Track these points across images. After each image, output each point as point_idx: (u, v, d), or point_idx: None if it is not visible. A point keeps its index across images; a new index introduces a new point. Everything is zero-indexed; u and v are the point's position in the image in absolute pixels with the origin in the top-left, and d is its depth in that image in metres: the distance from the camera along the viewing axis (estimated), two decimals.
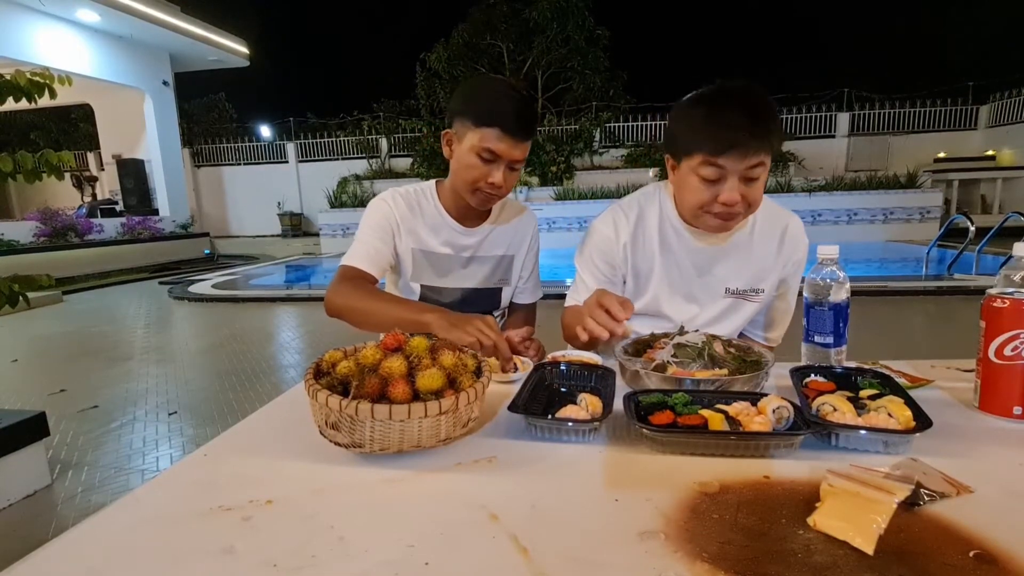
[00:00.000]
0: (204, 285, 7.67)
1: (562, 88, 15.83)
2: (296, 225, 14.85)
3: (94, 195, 14.20)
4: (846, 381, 0.89)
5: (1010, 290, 0.80)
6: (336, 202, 12.74)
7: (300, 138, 15.90)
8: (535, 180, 12.78)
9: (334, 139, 15.78)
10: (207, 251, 12.23)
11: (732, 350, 1.03)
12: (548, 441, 0.78)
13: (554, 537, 0.56)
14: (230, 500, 0.65)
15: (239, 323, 5.45)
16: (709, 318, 1.24)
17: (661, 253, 1.23)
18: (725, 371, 0.94)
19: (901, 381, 0.88)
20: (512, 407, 0.80)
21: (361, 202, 12.35)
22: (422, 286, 1.35)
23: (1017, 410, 0.79)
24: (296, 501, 0.65)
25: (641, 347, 1.07)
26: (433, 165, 13.57)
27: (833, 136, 13.79)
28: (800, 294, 1.08)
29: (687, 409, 0.79)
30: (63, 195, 14.29)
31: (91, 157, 16.01)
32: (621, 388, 0.91)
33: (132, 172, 12.11)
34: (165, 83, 12.25)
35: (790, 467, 0.68)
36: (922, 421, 0.71)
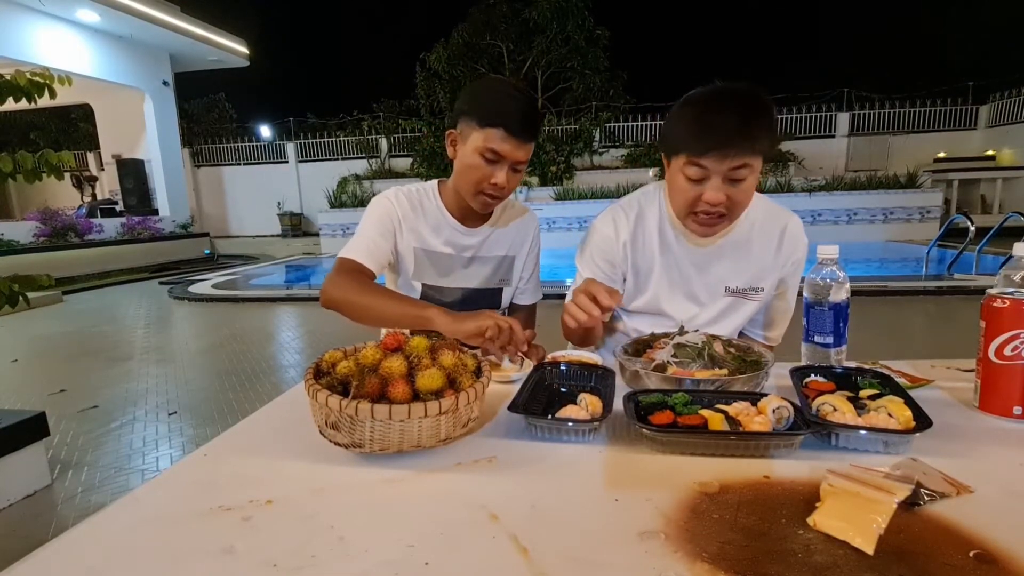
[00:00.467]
0: (204, 285, 7.67)
1: (562, 88, 15.82)
2: (296, 225, 14.84)
3: (94, 195, 14.19)
4: (846, 381, 0.89)
5: (1010, 290, 0.80)
6: (336, 202, 12.74)
7: (300, 138, 15.90)
8: (535, 180, 12.78)
9: (334, 139, 15.77)
10: (207, 251, 12.23)
11: (732, 350, 1.03)
12: (548, 441, 0.78)
13: (554, 537, 0.56)
14: (230, 500, 0.65)
15: (239, 323, 5.45)
16: (709, 317, 1.25)
17: (661, 252, 1.23)
18: (725, 371, 0.94)
19: (901, 381, 0.88)
20: (512, 407, 0.80)
21: (361, 202, 12.35)
22: (424, 285, 1.35)
23: (1017, 410, 0.79)
24: (296, 501, 0.65)
25: (641, 347, 1.07)
26: (433, 165, 13.57)
27: (833, 136, 13.79)
28: (800, 294, 1.08)
29: (687, 409, 0.79)
30: (63, 195, 14.29)
31: (91, 157, 16.01)
32: (621, 388, 0.91)
33: (132, 172, 12.10)
34: (165, 83, 12.25)
35: (790, 467, 0.68)
36: (922, 421, 0.71)
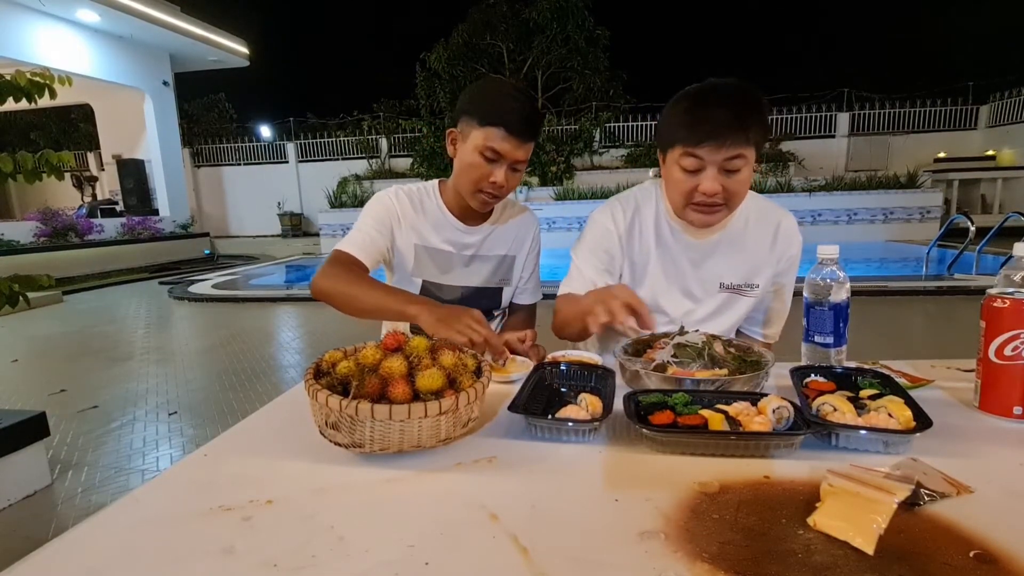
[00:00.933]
0: (204, 285, 7.67)
1: (562, 88, 15.83)
2: (296, 225, 14.85)
3: (94, 195, 14.20)
4: (846, 381, 0.89)
5: (1010, 290, 0.80)
6: (336, 202, 12.74)
7: (300, 138, 15.90)
8: (535, 180, 12.78)
9: (334, 139, 15.78)
10: (207, 251, 12.23)
11: (732, 350, 1.03)
12: (548, 441, 0.78)
13: (554, 537, 0.56)
14: (230, 500, 0.65)
15: (239, 323, 5.45)
16: (705, 313, 1.25)
17: (657, 247, 1.24)
18: (725, 371, 0.94)
19: (901, 381, 0.88)
20: (512, 407, 0.80)
21: (361, 202, 12.34)
22: (424, 282, 1.36)
23: (1017, 410, 0.79)
24: (296, 501, 0.64)
25: (641, 347, 1.07)
26: (433, 165, 13.57)
27: (833, 136, 13.79)
28: (800, 294, 1.08)
29: (687, 409, 0.79)
30: (63, 195, 14.30)
31: (91, 157, 16.02)
32: (621, 388, 0.91)
33: (132, 172, 12.10)
34: (165, 83, 12.25)
35: (790, 467, 0.68)
36: (922, 421, 0.71)
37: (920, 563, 0.50)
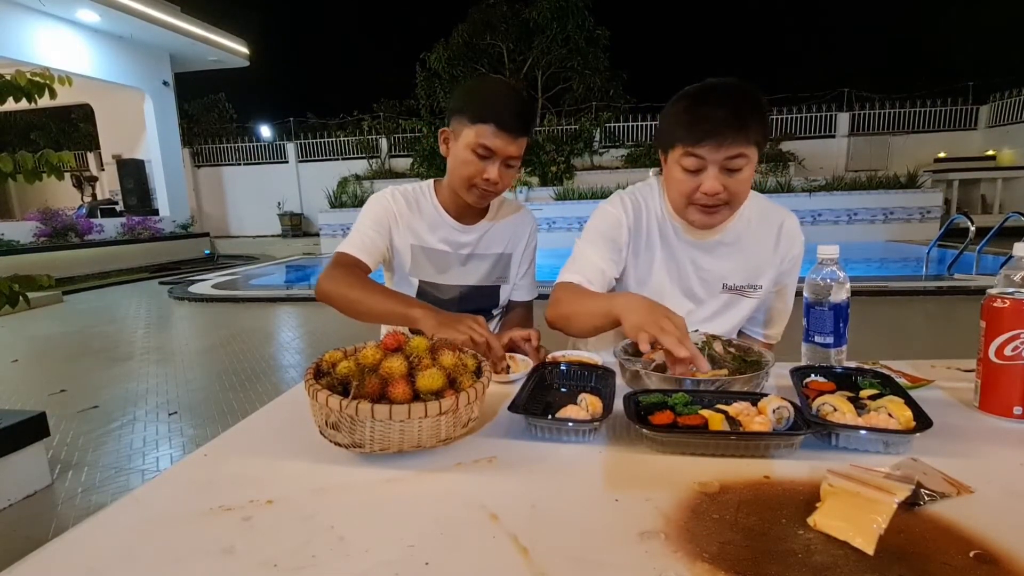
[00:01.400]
0: (204, 285, 7.67)
1: (562, 88, 15.82)
2: (296, 225, 14.84)
3: (94, 195, 14.19)
4: (846, 381, 0.89)
5: (1010, 290, 0.80)
6: (336, 202, 12.74)
7: (300, 138, 15.90)
8: (535, 180, 12.78)
9: (334, 139, 15.77)
10: (207, 251, 12.23)
11: (732, 350, 1.03)
12: (548, 441, 0.78)
13: (554, 537, 0.56)
14: (230, 500, 0.65)
15: (239, 323, 5.45)
16: (707, 314, 1.25)
17: (661, 246, 1.23)
18: (725, 371, 0.94)
19: (901, 381, 0.88)
20: (512, 407, 0.80)
21: (361, 202, 12.30)
22: (421, 282, 1.36)
23: (1017, 410, 0.79)
24: (296, 501, 0.64)
25: None
26: (433, 165, 13.57)
27: (833, 136, 13.79)
28: (800, 294, 1.08)
29: (687, 409, 0.79)
30: (63, 195, 14.29)
31: (91, 157, 16.01)
32: (621, 388, 0.91)
33: (132, 172, 12.10)
34: (165, 83, 12.25)
35: (790, 467, 0.68)
36: (922, 421, 0.71)
37: (920, 563, 0.50)
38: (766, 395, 0.79)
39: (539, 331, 1.20)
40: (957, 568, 0.49)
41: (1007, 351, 0.79)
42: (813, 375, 0.91)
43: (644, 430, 0.73)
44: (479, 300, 1.40)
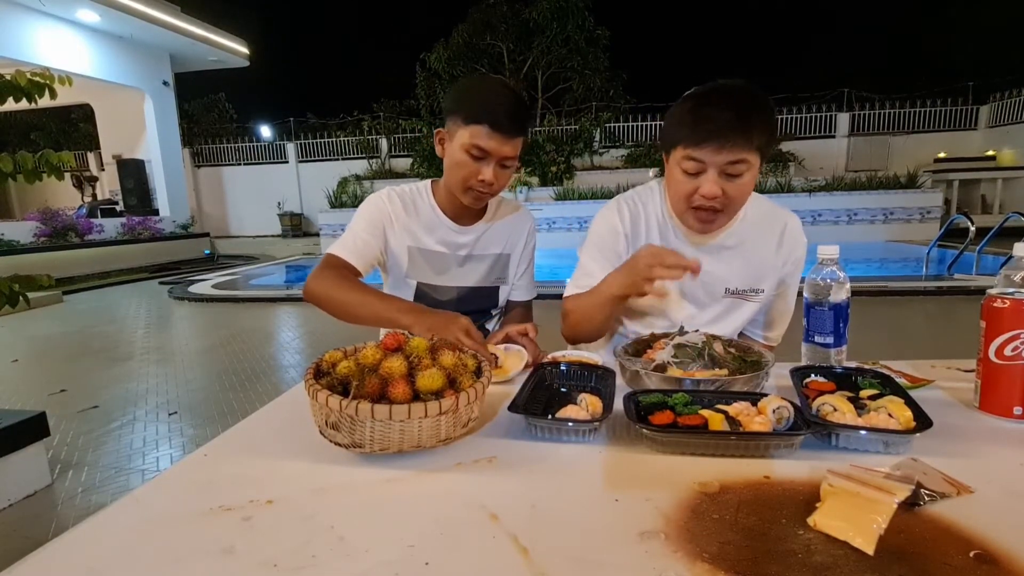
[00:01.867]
0: (204, 285, 7.67)
1: (562, 88, 15.82)
2: (296, 225, 14.85)
3: (94, 195, 14.19)
4: (846, 381, 0.89)
5: (1010, 290, 0.80)
6: (336, 202, 12.74)
7: (300, 138, 15.90)
8: (535, 180, 12.78)
9: (334, 139, 15.78)
10: (207, 251, 12.23)
11: (732, 350, 1.03)
12: (548, 441, 0.78)
13: (554, 537, 0.56)
14: (230, 500, 0.65)
15: (239, 323, 5.45)
16: (709, 318, 1.24)
17: None
18: (725, 371, 0.94)
19: (901, 381, 0.88)
20: (512, 407, 0.80)
21: (360, 202, 12.33)
22: (419, 283, 1.35)
23: (1017, 410, 0.79)
24: (296, 501, 0.64)
25: (641, 347, 1.07)
26: (433, 165, 13.56)
27: (833, 136, 13.79)
28: (801, 294, 1.08)
29: (687, 409, 0.79)
30: (63, 195, 14.29)
31: (91, 157, 16.01)
32: (621, 388, 0.91)
33: (132, 172, 12.10)
34: (165, 83, 12.25)
35: (790, 467, 0.68)
36: (922, 421, 0.71)
37: (920, 563, 0.50)
38: (766, 395, 0.79)
39: (536, 326, 1.20)
40: (957, 568, 0.49)
41: (1007, 351, 0.79)
42: (813, 375, 0.91)
43: (644, 430, 0.73)
44: (478, 301, 1.39)
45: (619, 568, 0.51)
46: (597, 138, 14.06)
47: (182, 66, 12.87)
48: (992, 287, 0.82)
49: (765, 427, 0.73)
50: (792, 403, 0.77)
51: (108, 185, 13.83)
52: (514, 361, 1.08)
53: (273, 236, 14.74)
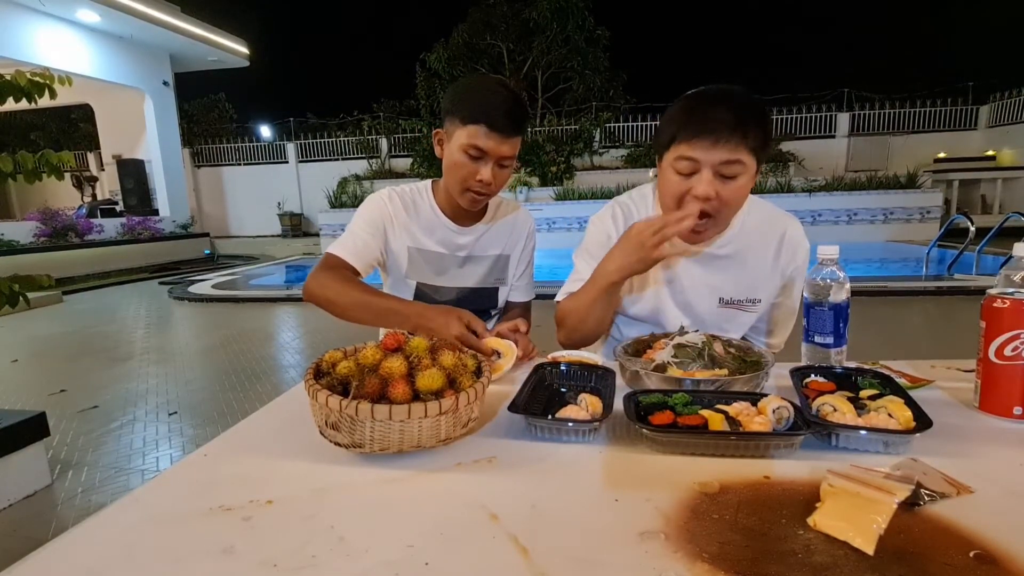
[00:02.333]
0: (204, 285, 7.66)
1: (562, 88, 15.82)
2: (296, 225, 14.83)
3: (94, 195, 14.19)
4: (846, 381, 0.89)
5: (1010, 290, 0.80)
6: (336, 202, 12.74)
7: (300, 138, 15.89)
8: (535, 180, 12.78)
9: (334, 139, 15.77)
10: (207, 251, 12.23)
11: (732, 350, 1.03)
12: (548, 441, 0.78)
13: (554, 537, 0.56)
14: (230, 500, 0.65)
15: (239, 323, 5.45)
16: (703, 329, 1.23)
17: None
18: (725, 371, 0.94)
19: (901, 381, 0.88)
20: (512, 407, 0.80)
21: (360, 202, 12.33)
22: (419, 284, 1.35)
23: (1017, 410, 0.79)
24: (296, 501, 0.65)
25: (641, 347, 1.07)
26: (433, 165, 13.57)
27: (833, 136, 13.79)
28: (801, 294, 1.08)
29: (687, 409, 0.79)
30: (63, 195, 14.29)
31: (91, 157, 16.01)
32: (621, 388, 0.91)
33: (132, 172, 12.10)
34: (165, 83, 12.24)
35: (790, 467, 0.68)
36: (922, 421, 0.71)
37: (920, 563, 0.50)
38: (766, 395, 0.79)
39: (528, 322, 1.20)
40: (957, 568, 0.49)
41: (1007, 351, 0.79)
42: (813, 375, 0.91)
43: (644, 430, 0.73)
44: (477, 302, 1.39)
45: (619, 568, 0.51)
46: (597, 138, 14.05)
47: (182, 66, 12.87)
48: (992, 287, 0.82)
49: (765, 427, 0.73)
50: (792, 403, 0.77)
51: (108, 185, 13.83)
52: (505, 356, 1.07)
53: (273, 236, 14.73)
